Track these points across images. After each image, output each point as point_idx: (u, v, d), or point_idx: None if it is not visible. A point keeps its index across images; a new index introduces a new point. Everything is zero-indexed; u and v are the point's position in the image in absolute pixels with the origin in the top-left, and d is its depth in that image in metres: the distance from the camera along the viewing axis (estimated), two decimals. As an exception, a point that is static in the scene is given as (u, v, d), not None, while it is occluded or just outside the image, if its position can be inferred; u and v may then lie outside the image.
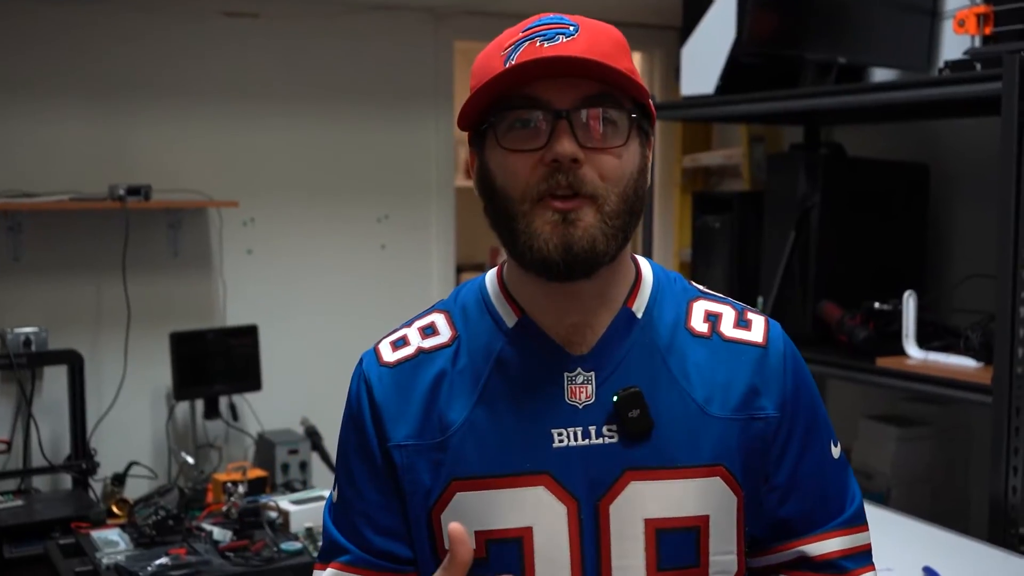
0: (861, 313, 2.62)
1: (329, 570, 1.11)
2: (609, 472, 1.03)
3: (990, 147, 2.19)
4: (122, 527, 2.62)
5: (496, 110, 1.01)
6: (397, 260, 3.52)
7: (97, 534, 2.54)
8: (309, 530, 2.55)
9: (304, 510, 2.62)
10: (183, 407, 3.18)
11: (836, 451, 1.13)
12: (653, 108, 1.06)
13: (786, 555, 1.09)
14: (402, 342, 1.12)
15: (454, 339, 1.10)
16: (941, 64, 2.67)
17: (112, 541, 2.51)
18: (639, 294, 1.08)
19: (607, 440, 1.03)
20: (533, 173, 0.99)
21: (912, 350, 2.48)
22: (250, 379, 3.16)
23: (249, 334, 3.17)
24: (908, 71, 2.93)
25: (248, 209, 3.25)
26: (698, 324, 1.09)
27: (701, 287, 1.15)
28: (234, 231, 3.28)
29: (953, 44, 2.72)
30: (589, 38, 0.99)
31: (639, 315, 1.07)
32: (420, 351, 1.10)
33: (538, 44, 0.99)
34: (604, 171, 0.99)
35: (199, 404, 3.17)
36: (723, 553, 1.06)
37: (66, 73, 3.05)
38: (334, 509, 1.14)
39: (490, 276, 1.14)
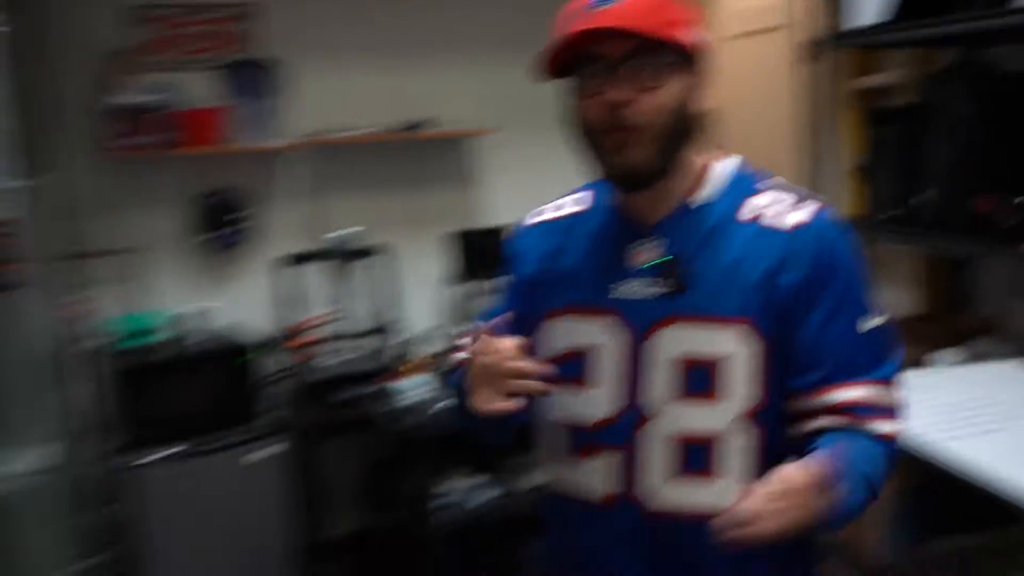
0: (1013, 204, 2.63)
1: (465, 339, 1.35)
2: (652, 316, 1.18)
3: None
4: (422, 376, 2.93)
5: (575, 64, 1.15)
6: None
7: (404, 382, 2.89)
8: None
9: None
10: (463, 288, 3.35)
11: (869, 325, 1.19)
12: (696, 47, 1.16)
13: (814, 403, 1.17)
14: (542, 212, 1.34)
15: (588, 208, 1.29)
16: None
17: (415, 387, 2.86)
18: (698, 190, 1.22)
19: (656, 292, 1.19)
20: (599, 112, 1.13)
21: None
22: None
23: (502, 232, 3.16)
24: None
25: (509, 134, 3.43)
26: (744, 214, 1.20)
27: (775, 182, 1.25)
28: (498, 152, 3.50)
29: None
30: (625, 3, 1.11)
31: (693, 206, 1.21)
32: (559, 216, 1.31)
33: (596, 9, 1.11)
34: (646, 108, 1.11)
35: (476, 285, 3.29)
36: (742, 386, 1.16)
37: (367, 36, 3.29)
38: (484, 312, 1.39)
39: None
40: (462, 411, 1.23)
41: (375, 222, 3.36)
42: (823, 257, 1.17)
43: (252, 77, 3.11)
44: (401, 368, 3.02)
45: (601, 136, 1.14)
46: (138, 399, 2.75)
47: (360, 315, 3.35)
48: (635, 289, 1.20)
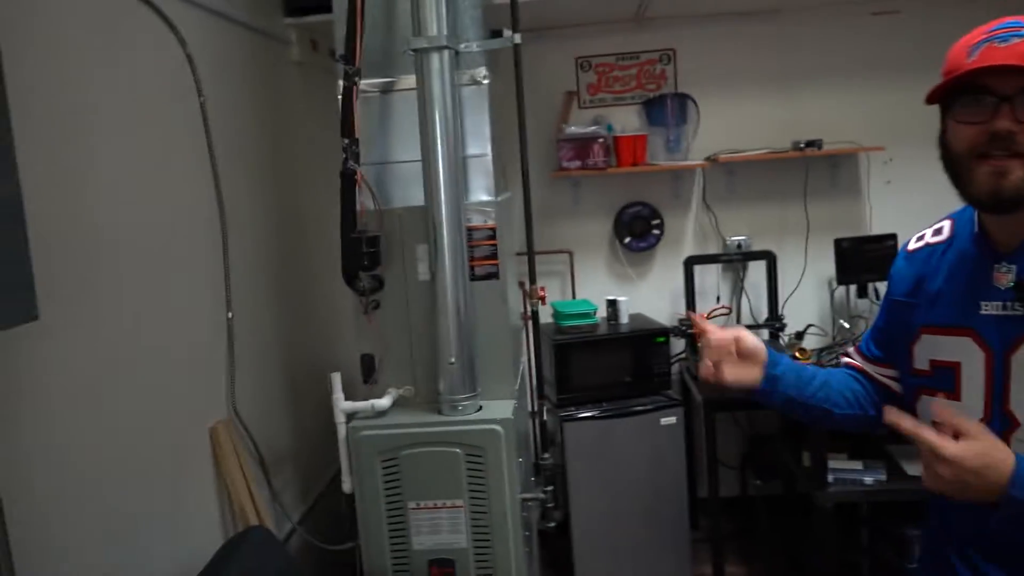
0: None
1: (852, 347, 1.50)
2: (1015, 333, 1.17)
3: None
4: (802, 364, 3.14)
5: (956, 93, 1.15)
6: None
7: None
8: None
9: None
10: (841, 289, 3.46)
11: None
12: None
13: None
14: (920, 239, 1.37)
15: (948, 239, 1.31)
16: None
17: None
18: None
19: (1018, 312, 1.18)
20: (977, 139, 1.13)
21: None
22: (885, 271, 3.29)
23: (889, 240, 3.33)
24: None
25: (888, 152, 3.49)
26: None
27: None
28: (877, 168, 3.54)
29: None
30: None
31: None
32: (927, 244, 1.35)
33: (995, 45, 1.10)
34: None
35: (852, 288, 3.42)
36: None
37: (759, 69, 3.50)
38: (871, 327, 1.47)
39: None
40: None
41: (765, 229, 3.56)
42: None
43: (666, 108, 3.48)
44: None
45: (972, 161, 1.14)
46: (573, 367, 3.13)
47: (749, 310, 3.58)
48: (996, 308, 1.20)
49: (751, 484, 3.53)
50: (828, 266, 3.43)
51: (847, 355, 1.51)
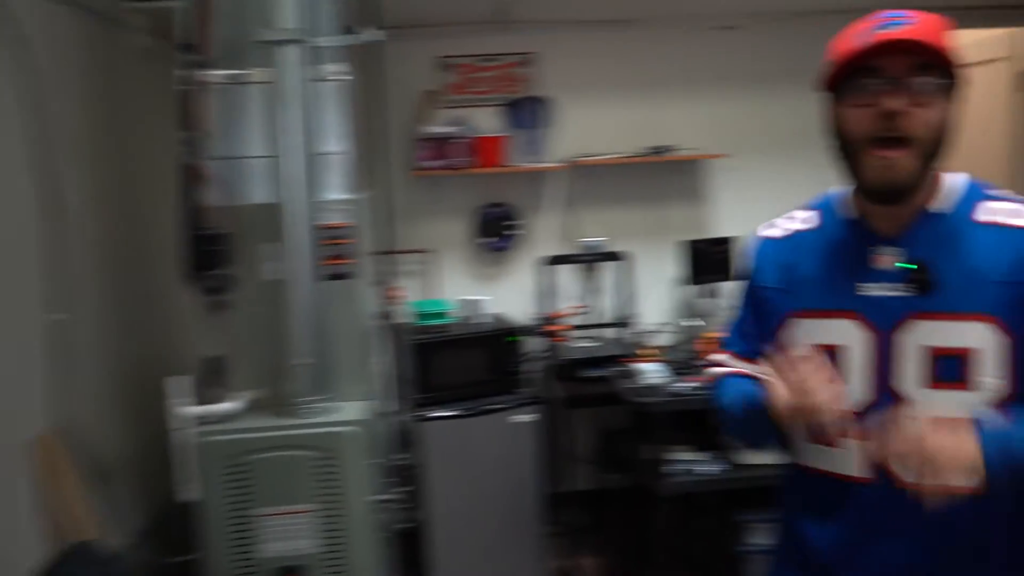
0: None
1: (719, 355, 1.41)
2: (898, 313, 1.19)
3: None
4: (653, 362, 3.08)
5: (846, 78, 1.15)
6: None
7: (638, 365, 3.04)
8: None
9: None
10: (690, 289, 3.54)
11: None
12: (960, 76, 1.14)
13: None
14: (776, 226, 1.35)
15: (815, 226, 1.30)
16: None
17: (650, 370, 3.00)
18: (935, 199, 1.21)
19: (899, 292, 1.19)
20: (870, 122, 1.12)
21: None
22: (730, 272, 3.40)
23: (728, 242, 3.47)
24: None
25: (732, 159, 3.62)
26: (983, 216, 1.19)
27: (1001, 192, 1.23)
28: (723, 174, 3.69)
29: None
30: (922, 25, 1.11)
31: (936, 211, 1.20)
32: (790, 231, 1.32)
33: (881, 32, 1.11)
34: (921, 121, 1.11)
35: (699, 288, 3.51)
36: (990, 377, 1.15)
37: (617, 76, 3.58)
38: (731, 323, 1.41)
39: (848, 188, 1.29)
40: (756, 424, 1.25)
41: (619, 231, 3.64)
42: None
43: (527, 111, 3.51)
44: (637, 354, 3.23)
45: (868, 148, 1.14)
46: (430, 367, 3.10)
47: (604, 308, 3.65)
48: (879, 290, 1.20)
49: (605, 477, 3.61)
50: (679, 267, 3.55)
51: (719, 364, 1.40)
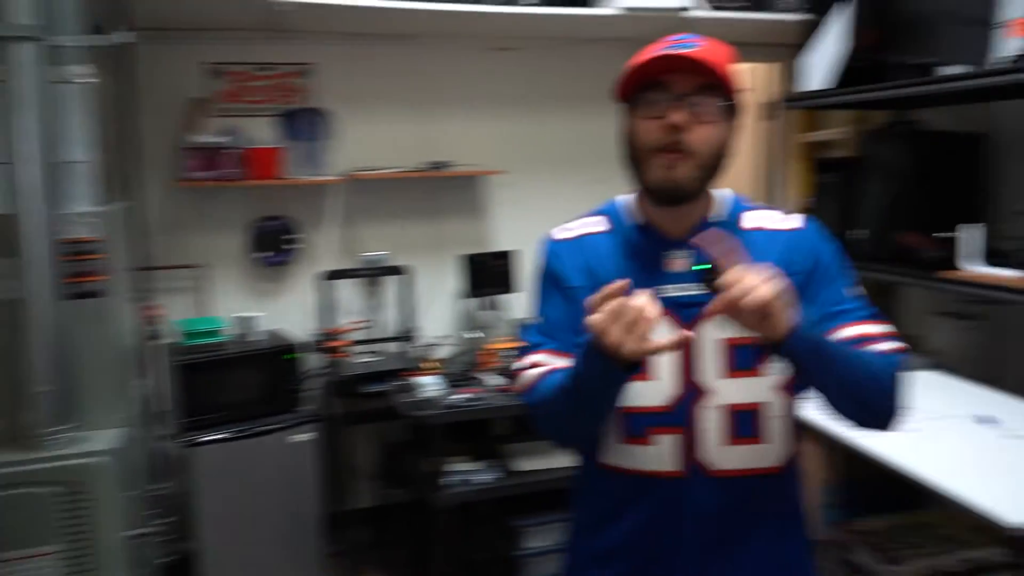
0: (931, 239, 2.84)
1: (534, 356, 1.33)
2: (697, 310, 1.24)
3: None
4: (434, 375, 3.09)
5: (637, 92, 1.23)
6: None
7: (418, 379, 3.04)
8: None
9: None
10: (470, 302, 3.60)
11: (851, 292, 1.31)
12: (741, 102, 1.24)
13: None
14: (570, 229, 1.37)
15: (606, 230, 1.35)
16: (995, 59, 2.69)
17: (428, 383, 3.00)
18: (713, 209, 1.32)
19: (693, 292, 1.26)
20: (657, 133, 1.20)
21: (969, 265, 2.71)
22: (510, 284, 3.56)
23: (508, 256, 3.57)
24: (970, 66, 2.85)
25: (511, 175, 3.70)
26: (751, 222, 1.33)
27: (759, 203, 1.36)
28: (502, 190, 3.76)
29: (1004, 45, 2.68)
30: (703, 48, 1.20)
31: (716, 219, 1.31)
32: (582, 234, 1.36)
33: (670, 51, 1.20)
34: (701, 137, 1.20)
35: (480, 300, 3.58)
36: (777, 362, 1.23)
37: (398, 91, 3.54)
38: (534, 327, 1.36)
39: (631, 196, 1.37)
40: (587, 381, 1.20)
41: (400, 245, 3.63)
42: (818, 248, 1.31)
43: (304, 123, 3.42)
44: (419, 368, 3.22)
45: (653, 154, 1.21)
46: (200, 388, 2.94)
47: (386, 323, 3.62)
48: (676, 290, 1.27)
49: (387, 493, 3.58)
50: (460, 280, 3.60)
51: (534, 365, 1.33)
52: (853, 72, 3.07)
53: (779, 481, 1.31)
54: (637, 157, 1.25)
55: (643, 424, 1.28)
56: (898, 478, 1.92)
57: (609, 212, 1.38)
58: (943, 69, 3.05)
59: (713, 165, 1.24)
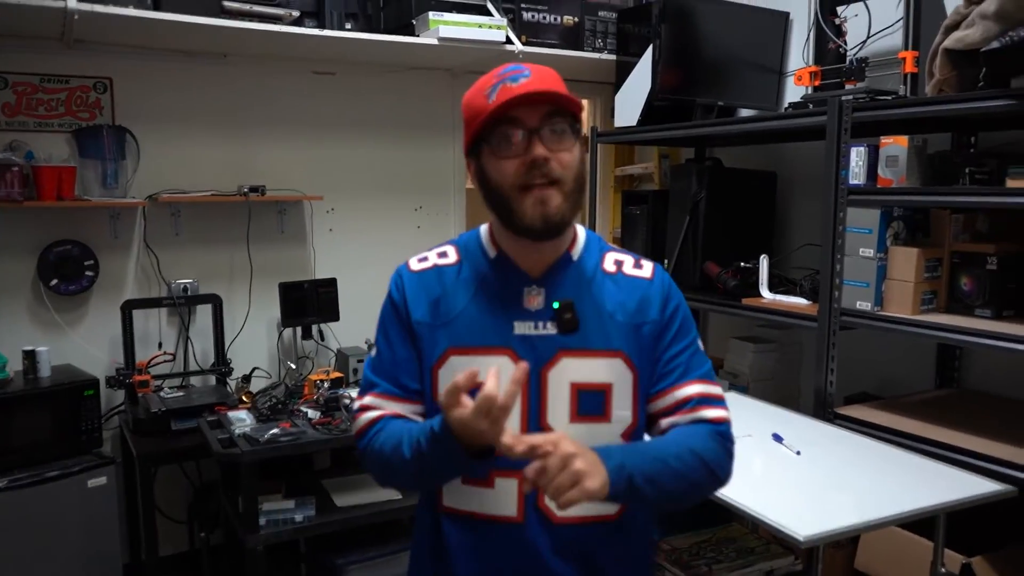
0: (731, 269, 3.01)
1: (368, 397, 1.30)
2: (548, 351, 1.24)
3: (817, 160, 2.52)
4: (248, 410, 2.97)
5: (487, 131, 1.19)
6: (427, 234, 3.86)
7: (231, 414, 2.91)
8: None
9: None
10: (288, 332, 3.52)
11: (698, 345, 1.33)
12: (584, 120, 1.36)
13: (665, 401, 1.28)
14: (424, 260, 1.33)
15: (458, 262, 1.31)
16: (785, 105, 3.02)
17: (241, 418, 2.87)
18: (575, 246, 1.31)
19: (549, 331, 1.25)
20: (518, 171, 1.18)
21: (765, 293, 2.86)
22: (332, 313, 3.50)
23: (331, 284, 3.50)
24: (763, 110, 3.20)
25: (330, 201, 3.65)
26: (609, 266, 1.31)
27: (612, 245, 1.37)
28: (320, 216, 3.67)
29: (793, 92, 3.07)
30: (540, 76, 1.20)
31: (575, 258, 1.30)
32: (436, 266, 1.31)
33: (508, 84, 1.18)
34: (563, 163, 1.19)
35: (299, 330, 3.50)
36: (622, 410, 1.26)
37: (207, 110, 3.38)
38: (373, 362, 1.32)
39: (484, 228, 1.35)
40: (436, 461, 1.17)
41: (213, 273, 3.46)
42: (669, 301, 1.31)
43: (103, 141, 3.17)
44: (231, 402, 3.09)
45: (521, 192, 1.18)
46: None
47: (197, 355, 3.44)
48: (531, 329, 1.25)
49: (199, 536, 3.36)
50: (276, 309, 3.47)
51: (367, 408, 1.30)
52: (658, 110, 3.21)
53: (619, 527, 1.30)
54: (504, 197, 1.21)
55: (486, 469, 1.24)
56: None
57: (462, 244, 1.35)
58: (740, 111, 3.32)
59: (579, 190, 1.23)
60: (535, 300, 1.26)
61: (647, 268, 1.34)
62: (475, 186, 1.27)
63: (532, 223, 1.19)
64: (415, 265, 1.33)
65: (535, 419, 1.24)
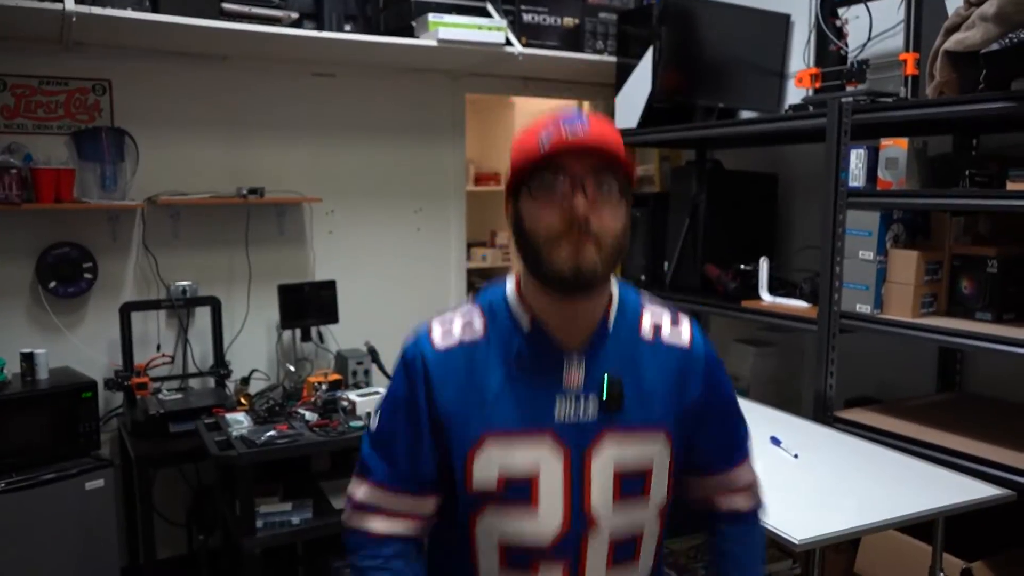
0: (732, 271, 3.02)
1: (365, 487, 1.22)
2: (592, 432, 1.17)
3: (818, 162, 2.52)
4: (246, 412, 2.97)
5: (532, 175, 1.12)
6: (426, 237, 3.90)
7: (229, 416, 2.91)
8: (368, 413, 2.82)
9: (366, 400, 2.97)
10: (287, 334, 3.51)
11: (741, 427, 1.32)
12: (631, 181, 1.16)
13: (725, 483, 1.29)
14: (449, 335, 1.21)
15: (485, 335, 1.20)
16: (786, 107, 3.00)
17: (239, 420, 2.88)
18: (612, 311, 1.22)
19: (591, 410, 1.18)
20: (556, 219, 1.11)
21: (765, 296, 2.87)
22: (331, 315, 3.49)
23: (330, 286, 3.50)
24: (764, 112, 3.19)
25: (329, 204, 3.65)
26: (647, 333, 1.24)
27: (646, 297, 1.28)
28: (320, 218, 3.66)
29: (793, 94, 3.06)
30: (597, 127, 1.13)
31: (610, 327, 1.21)
32: (462, 343, 1.20)
33: (563, 129, 1.11)
34: (603, 220, 1.11)
35: (298, 332, 3.49)
36: (659, 487, 1.22)
37: (206, 112, 3.39)
38: (372, 438, 1.23)
39: (510, 287, 1.23)
40: None
41: (212, 275, 3.46)
42: (713, 376, 1.26)
43: (101, 143, 3.18)
44: (229, 404, 3.09)
45: (556, 241, 1.11)
46: None
47: (196, 357, 3.43)
48: (572, 407, 1.18)
49: (198, 539, 3.36)
50: (275, 311, 3.47)
51: (363, 507, 1.22)
52: (658, 112, 3.21)
53: None
54: (537, 244, 1.13)
55: (528, 558, 1.19)
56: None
57: (487, 308, 1.23)
58: (741, 113, 3.31)
59: (618, 250, 1.15)
60: (576, 377, 1.18)
61: (684, 331, 1.27)
62: (510, 228, 1.19)
63: (562, 272, 1.11)
64: (440, 342, 1.21)
65: (578, 504, 1.18)
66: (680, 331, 1.26)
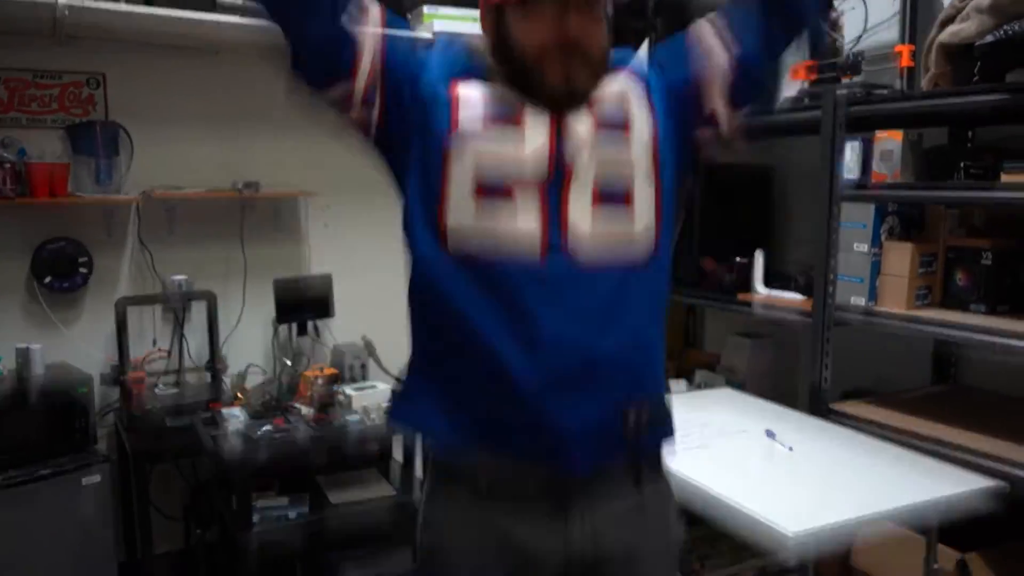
0: (728, 264, 3.05)
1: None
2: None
3: (813, 155, 2.54)
4: (242, 407, 2.98)
5: None
6: None
7: (226, 411, 2.91)
8: (364, 408, 2.93)
9: (362, 395, 2.99)
10: (283, 328, 3.50)
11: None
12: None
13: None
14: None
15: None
16: (780, 99, 3.27)
17: (235, 415, 2.88)
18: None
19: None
20: (547, 37, 1.17)
21: (761, 288, 2.91)
22: (327, 309, 3.50)
23: (326, 280, 3.50)
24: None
25: (325, 198, 3.65)
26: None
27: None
28: (316, 212, 3.67)
29: (788, 87, 2.84)
30: None
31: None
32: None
33: None
34: (591, 39, 1.18)
35: (294, 326, 3.48)
36: (641, 133, 1.24)
37: (201, 106, 3.38)
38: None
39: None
40: None
41: (207, 270, 3.45)
42: (653, 58, 1.33)
43: (96, 137, 3.17)
44: (225, 399, 3.09)
45: (546, 57, 1.15)
46: None
47: (192, 352, 3.43)
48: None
49: (194, 535, 3.37)
50: (271, 306, 3.46)
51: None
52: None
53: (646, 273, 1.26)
54: (526, 62, 1.18)
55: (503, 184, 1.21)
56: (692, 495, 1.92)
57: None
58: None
59: (604, 67, 1.21)
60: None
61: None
62: (486, 39, 1.24)
63: (555, 91, 1.17)
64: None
65: (558, 150, 1.20)
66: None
